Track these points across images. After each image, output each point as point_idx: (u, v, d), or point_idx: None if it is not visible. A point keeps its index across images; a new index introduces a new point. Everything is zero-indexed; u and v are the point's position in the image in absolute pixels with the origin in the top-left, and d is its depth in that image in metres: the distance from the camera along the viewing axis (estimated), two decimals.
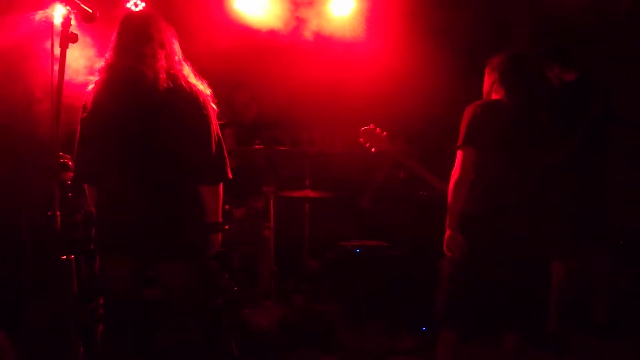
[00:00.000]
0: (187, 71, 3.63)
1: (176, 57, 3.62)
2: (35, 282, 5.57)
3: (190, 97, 3.52)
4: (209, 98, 3.63)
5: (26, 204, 5.63)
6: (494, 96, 4.01)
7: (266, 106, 6.89)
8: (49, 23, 5.79)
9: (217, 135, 3.64)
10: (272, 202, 5.81)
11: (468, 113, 3.91)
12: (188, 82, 3.56)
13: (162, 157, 3.49)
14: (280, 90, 6.96)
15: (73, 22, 3.00)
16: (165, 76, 3.49)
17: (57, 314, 5.28)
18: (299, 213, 6.23)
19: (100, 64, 3.62)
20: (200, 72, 3.73)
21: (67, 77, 3.03)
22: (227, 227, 3.83)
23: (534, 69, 4.08)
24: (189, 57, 3.75)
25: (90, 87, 3.59)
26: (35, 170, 5.00)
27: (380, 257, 5.83)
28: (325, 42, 6.31)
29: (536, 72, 4.12)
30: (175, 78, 3.53)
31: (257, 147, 5.74)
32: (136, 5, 6.48)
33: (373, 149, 4.46)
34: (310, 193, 5.91)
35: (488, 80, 4.08)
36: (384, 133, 4.47)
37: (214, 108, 3.65)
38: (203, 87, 3.63)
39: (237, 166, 3.81)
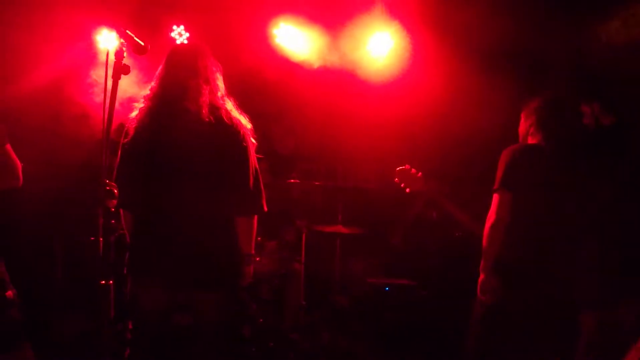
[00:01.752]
0: (230, 106, 3.71)
1: (219, 93, 3.71)
2: (66, 301, 5.64)
3: (231, 130, 3.60)
4: (249, 132, 3.70)
5: (62, 227, 5.75)
6: (531, 140, 4.02)
7: (303, 139, 6.95)
8: (94, 51, 5.99)
9: (255, 168, 3.71)
10: (304, 236, 5.83)
11: (506, 156, 3.91)
12: (230, 116, 3.64)
13: (200, 187, 3.55)
14: (318, 124, 7.02)
15: (125, 54, 3.06)
16: (207, 110, 3.57)
17: (85, 334, 5.36)
18: (331, 248, 6.24)
19: (145, 92, 3.72)
20: (241, 104, 3.80)
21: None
22: (257, 258, 3.85)
23: (572, 113, 4.07)
24: (228, 87, 3.82)
25: (134, 113, 3.68)
26: (77, 195, 5.09)
27: (409, 296, 5.81)
28: (364, 78, 6.37)
29: (574, 116, 4.10)
30: (217, 112, 3.60)
31: (292, 180, 5.78)
32: (180, 35, 6.60)
33: (408, 189, 4.46)
34: (342, 228, 5.92)
35: (525, 123, 4.09)
36: (419, 173, 4.46)
37: (253, 142, 3.72)
38: (245, 122, 3.71)
39: (271, 199, 3.84)
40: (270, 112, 6.76)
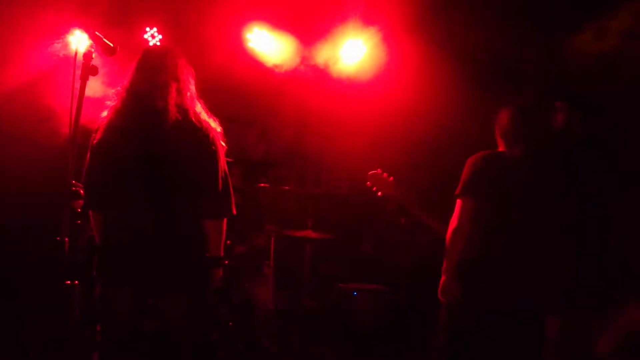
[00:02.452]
0: (199, 108, 3.72)
1: (189, 93, 3.70)
2: (34, 304, 5.58)
3: (200, 132, 3.60)
4: (219, 135, 3.71)
5: (27, 229, 5.68)
6: (500, 147, 4.08)
7: (274, 144, 6.95)
8: (66, 51, 5.96)
9: (225, 171, 3.71)
10: (273, 241, 5.84)
11: (469, 163, 4.00)
12: (199, 118, 3.64)
13: (168, 189, 3.55)
14: (289, 130, 7.03)
15: (94, 55, 3.06)
16: (175, 109, 3.58)
17: (54, 339, 5.30)
18: (300, 253, 6.25)
19: (114, 92, 3.71)
20: (211, 108, 3.81)
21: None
22: (226, 262, 3.85)
23: (539, 120, 4.13)
24: (200, 92, 3.83)
25: (104, 114, 3.67)
26: (45, 195, 5.04)
27: (378, 300, 5.83)
28: (335, 84, 6.40)
29: (542, 123, 4.17)
30: (185, 112, 3.61)
31: (262, 185, 5.78)
32: (153, 37, 6.57)
33: (379, 193, 4.53)
34: (311, 234, 5.93)
35: (496, 132, 4.16)
36: (391, 178, 4.54)
37: (223, 145, 3.73)
38: (214, 125, 3.72)
39: (241, 203, 3.85)
40: (242, 118, 6.76)
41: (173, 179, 3.55)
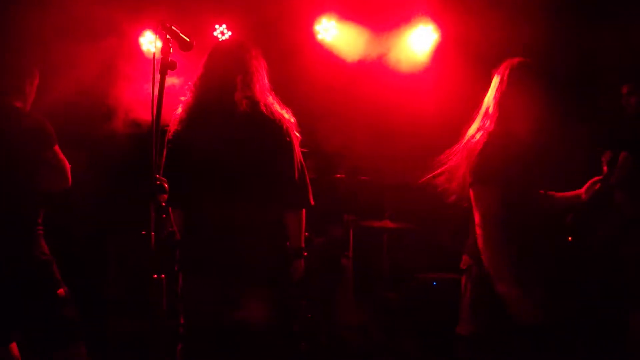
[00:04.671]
0: (272, 100, 3.71)
1: (260, 85, 3.70)
2: (120, 297, 5.72)
3: (274, 124, 3.59)
4: (293, 126, 3.69)
5: (111, 223, 5.82)
6: None
7: (350, 136, 6.92)
8: (138, 51, 6.06)
9: (300, 162, 3.70)
10: (351, 231, 5.81)
11: None
12: (272, 111, 3.63)
13: (245, 182, 3.56)
14: (364, 121, 6.99)
15: (171, 49, 3.08)
16: (249, 104, 3.58)
17: (140, 331, 5.42)
18: (378, 243, 6.21)
19: (187, 89, 3.75)
20: (286, 101, 3.80)
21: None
22: (305, 253, 3.85)
23: None
24: (274, 84, 3.82)
25: (178, 111, 3.70)
26: (127, 191, 5.15)
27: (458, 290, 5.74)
28: (408, 74, 6.33)
29: None
30: (257, 105, 3.60)
31: (338, 176, 5.76)
32: (223, 34, 6.64)
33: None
34: (389, 224, 5.89)
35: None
36: None
37: (297, 136, 3.71)
38: (288, 116, 3.70)
39: (318, 194, 3.84)
40: (316, 110, 6.75)
41: (249, 172, 3.56)
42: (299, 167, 3.67)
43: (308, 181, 3.75)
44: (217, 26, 6.64)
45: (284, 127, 3.62)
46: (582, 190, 3.73)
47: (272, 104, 3.68)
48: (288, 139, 3.62)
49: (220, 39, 6.58)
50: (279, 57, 5.58)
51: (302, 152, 3.77)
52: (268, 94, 3.73)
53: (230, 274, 3.58)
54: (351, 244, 5.81)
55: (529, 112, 3.41)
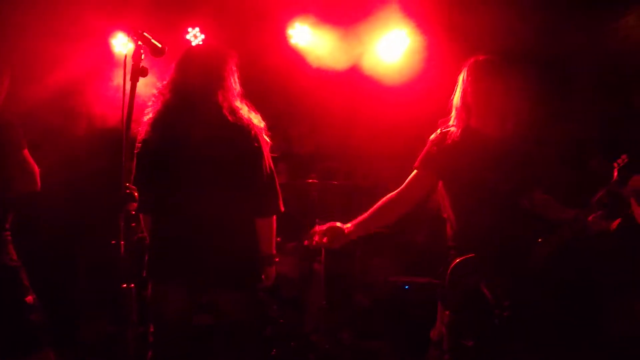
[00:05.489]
0: (241, 105, 3.69)
1: (231, 90, 3.68)
2: (89, 305, 5.67)
3: (242, 130, 3.58)
4: (262, 131, 3.68)
5: (83, 231, 5.76)
6: None
7: (323, 139, 6.93)
8: (110, 54, 6.02)
9: (270, 167, 3.69)
10: None
11: None
12: (241, 115, 3.62)
13: (215, 188, 3.55)
14: (337, 123, 6.99)
15: (142, 56, 3.06)
16: (219, 110, 3.57)
17: (110, 336, 5.38)
18: (350, 247, 6.20)
19: (155, 92, 3.72)
20: (258, 104, 3.79)
21: None
22: (277, 259, 3.84)
23: None
24: (246, 88, 3.80)
25: (147, 117, 3.68)
26: (97, 198, 5.11)
27: (430, 293, 5.77)
28: (382, 77, 6.34)
29: None
30: (228, 112, 3.59)
31: (310, 180, 5.76)
32: (195, 37, 6.61)
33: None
34: None
35: None
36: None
37: (267, 141, 3.70)
38: (257, 120, 3.68)
39: (290, 199, 3.84)
40: (289, 113, 6.75)
41: (218, 178, 3.55)
42: (268, 173, 3.66)
43: (278, 187, 3.73)
44: (189, 29, 6.61)
45: (253, 132, 3.60)
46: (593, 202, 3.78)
47: (241, 109, 3.66)
48: (256, 144, 3.61)
49: (192, 42, 6.56)
50: (252, 61, 5.58)
51: (273, 157, 3.76)
52: (238, 99, 3.72)
53: (201, 280, 3.56)
54: (323, 249, 5.80)
55: (491, 108, 3.58)
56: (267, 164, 3.67)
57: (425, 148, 3.74)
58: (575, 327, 4.57)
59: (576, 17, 5.70)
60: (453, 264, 3.51)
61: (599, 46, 5.67)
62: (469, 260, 3.47)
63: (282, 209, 3.75)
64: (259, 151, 3.62)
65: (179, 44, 6.34)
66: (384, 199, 3.81)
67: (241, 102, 3.71)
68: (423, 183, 3.76)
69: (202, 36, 6.60)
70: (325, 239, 3.74)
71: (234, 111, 3.61)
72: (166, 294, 3.61)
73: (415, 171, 3.76)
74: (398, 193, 3.78)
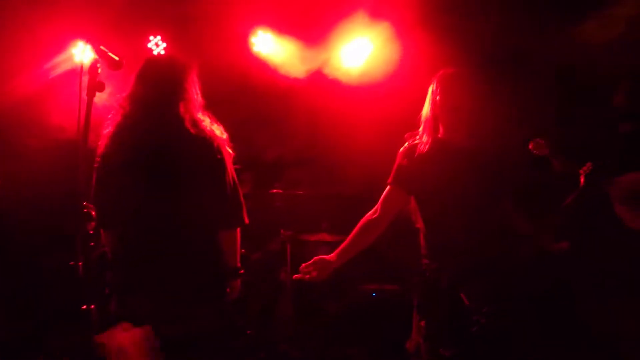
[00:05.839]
0: (203, 117, 3.64)
1: (192, 102, 3.64)
2: (50, 326, 5.57)
3: (205, 142, 3.53)
4: (225, 142, 3.63)
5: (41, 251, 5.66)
6: None
7: (286, 147, 6.89)
8: (71, 64, 5.92)
9: (233, 179, 3.64)
10: (289, 246, 5.78)
11: None
12: (203, 127, 3.57)
13: (177, 201, 3.49)
14: (300, 132, 6.96)
15: (99, 70, 3.01)
16: (181, 122, 3.52)
17: (75, 347, 5.29)
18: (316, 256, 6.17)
19: (116, 106, 3.65)
20: (220, 114, 3.74)
21: None
22: (242, 271, 3.80)
23: None
24: (207, 97, 3.76)
25: (106, 130, 3.61)
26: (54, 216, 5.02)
27: (397, 300, 5.77)
28: (345, 84, 6.34)
29: None
30: (189, 122, 3.54)
31: (274, 190, 5.73)
32: (157, 45, 6.53)
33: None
34: (326, 237, 5.87)
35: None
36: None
37: (229, 152, 3.66)
38: (219, 132, 3.64)
39: (254, 209, 3.81)
40: (252, 121, 6.70)
41: (180, 191, 3.49)
42: (231, 185, 3.61)
43: (242, 198, 3.69)
44: (151, 37, 6.54)
45: (215, 144, 3.56)
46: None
47: (203, 120, 3.62)
48: (219, 156, 3.56)
49: (154, 51, 6.48)
50: (214, 69, 5.53)
51: (236, 168, 3.72)
52: (200, 110, 3.67)
53: (165, 295, 3.51)
54: (289, 259, 5.77)
55: (459, 119, 3.62)
56: (231, 176, 3.62)
57: (396, 162, 3.80)
58: (555, 332, 4.60)
59: (534, 19, 5.74)
60: (428, 273, 3.53)
61: (558, 49, 5.72)
62: (444, 269, 3.48)
63: (247, 221, 3.71)
64: (221, 163, 3.57)
65: (140, 52, 6.27)
66: (362, 221, 3.87)
67: (203, 113, 3.66)
68: (398, 198, 3.81)
69: (164, 45, 6.53)
70: (314, 273, 3.78)
71: (196, 123, 3.56)
72: (130, 310, 3.54)
73: (388, 187, 3.81)
74: (375, 212, 3.84)
